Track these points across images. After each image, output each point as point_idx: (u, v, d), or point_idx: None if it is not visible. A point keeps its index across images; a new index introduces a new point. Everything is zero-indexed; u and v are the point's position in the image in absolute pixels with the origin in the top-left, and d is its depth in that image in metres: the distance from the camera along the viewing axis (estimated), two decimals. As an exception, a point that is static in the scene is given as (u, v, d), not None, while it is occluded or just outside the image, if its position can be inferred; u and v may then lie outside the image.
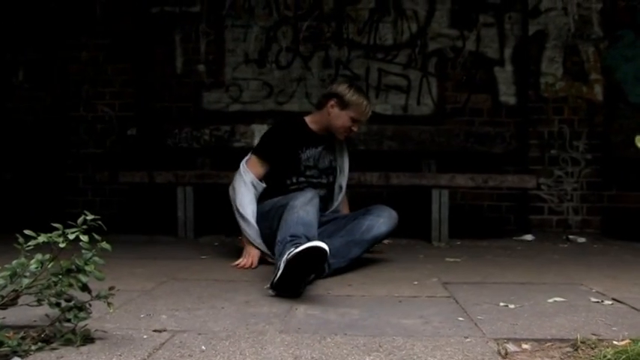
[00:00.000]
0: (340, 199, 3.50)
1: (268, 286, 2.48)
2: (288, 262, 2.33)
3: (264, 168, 3.30)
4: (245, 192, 3.22)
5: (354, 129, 3.35)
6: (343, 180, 3.50)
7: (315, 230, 2.75)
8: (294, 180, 3.31)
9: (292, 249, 2.38)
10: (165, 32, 5.31)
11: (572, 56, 5.09)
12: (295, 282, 2.40)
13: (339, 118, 3.27)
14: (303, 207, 2.76)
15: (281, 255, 2.48)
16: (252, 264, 3.15)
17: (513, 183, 4.48)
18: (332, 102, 3.26)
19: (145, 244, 4.15)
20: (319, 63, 5.25)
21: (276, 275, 2.41)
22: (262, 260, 3.21)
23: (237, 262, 3.19)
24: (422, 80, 5.24)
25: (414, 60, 5.24)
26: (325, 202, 3.39)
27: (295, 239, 2.57)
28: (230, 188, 3.31)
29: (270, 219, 3.06)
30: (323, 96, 3.37)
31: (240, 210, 3.20)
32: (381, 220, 3.16)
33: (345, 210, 3.60)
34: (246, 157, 3.37)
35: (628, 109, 5.08)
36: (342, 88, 3.26)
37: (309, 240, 2.47)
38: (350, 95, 3.23)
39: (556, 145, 5.08)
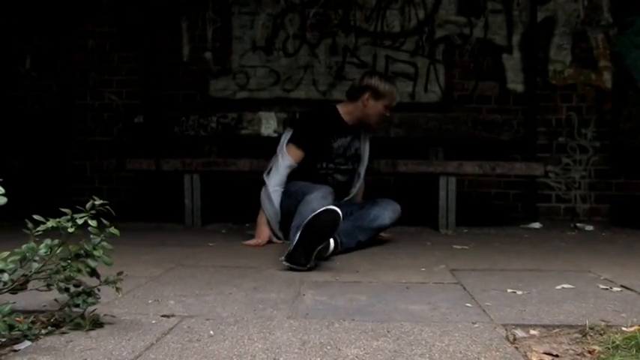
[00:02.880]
0: (358, 186, 3.78)
1: (283, 258, 2.68)
2: (305, 226, 2.64)
3: (301, 154, 3.56)
4: (278, 176, 3.50)
5: (387, 115, 3.65)
6: (363, 168, 3.79)
7: None
8: (324, 165, 3.63)
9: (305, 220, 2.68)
10: (172, 20, 5.30)
11: (580, 43, 5.05)
12: (310, 248, 2.63)
13: (374, 108, 3.56)
14: (318, 200, 3.01)
15: (294, 234, 2.75)
16: (260, 244, 3.43)
17: (521, 170, 4.46)
18: (367, 95, 3.54)
19: (152, 231, 4.16)
20: (326, 50, 5.23)
21: (291, 246, 2.68)
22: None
23: (248, 242, 3.48)
24: (429, 67, 5.21)
25: (422, 47, 5.22)
26: (346, 188, 3.70)
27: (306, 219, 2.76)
28: (265, 172, 3.58)
29: (292, 199, 3.34)
30: (356, 89, 3.60)
31: (270, 190, 3.49)
32: (386, 213, 3.45)
33: (359, 196, 3.88)
34: (283, 141, 3.61)
35: (637, 96, 5.04)
36: (375, 81, 3.54)
37: None
38: (383, 86, 3.53)
39: (564, 132, 5.06)
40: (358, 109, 3.59)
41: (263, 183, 3.57)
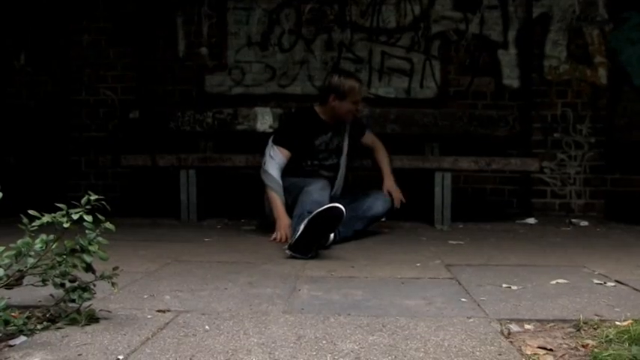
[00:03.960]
0: (342, 177, 3.90)
1: (286, 247, 2.93)
2: (310, 220, 2.82)
3: (287, 152, 3.67)
4: (276, 171, 3.61)
5: (358, 108, 3.79)
6: (343, 159, 3.89)
7: None
8: (309, 162, 3.77)
9: (313, 212, 2.86)
10: (167, 15, 5.29)
11: (576, 39, 5.05)
12: (313, 240, 2.83)
13: (342, 107, 3.67)
14: (318, 191, 3.27)
15: (298, 223, 2.97)
16: (287, 238, 3.38)
17: (516, 166, 4.47)
18: (332, 96, 3.66)
19: (148, 227, 4.16)
20: (322, 46, 5.23)
21: (295, 236, 2.88)
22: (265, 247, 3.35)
23: (273, 237, 3.50)
24: (425, 63, 5.22)
25: (417, 43, 5.22)
26: (332, 182, 3.74)
27: (311, 213, 2.95)
28: (262, 170, 3.67)
29: (287, 192, 3.55)
30: (322, 93, 3.83)
31: (277, 180, 3.58)
32: (379, 202, 3.67)
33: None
34: (269, 145, 3.72)
35: (632, 92, 5.06)
36: (335, 81, 3.67)
37: None
38: (344, 85, 3.63)
39: (559, 128, 5.07)
40: (329, 109, 3.72)
41: (263, 185, 3.65)
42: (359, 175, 4.22)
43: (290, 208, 3.44)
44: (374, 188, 3.82)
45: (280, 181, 3.58)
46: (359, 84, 3.71)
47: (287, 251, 2.89)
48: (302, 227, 2.85)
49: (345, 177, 3.95)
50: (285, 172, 3.64)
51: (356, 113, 3.81)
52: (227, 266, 2.65)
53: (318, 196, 3.22)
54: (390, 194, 3.75)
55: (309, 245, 2.84)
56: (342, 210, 2.82)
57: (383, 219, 3.83)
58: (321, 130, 3.77)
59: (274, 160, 3.62)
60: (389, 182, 3.83)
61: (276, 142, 3.69)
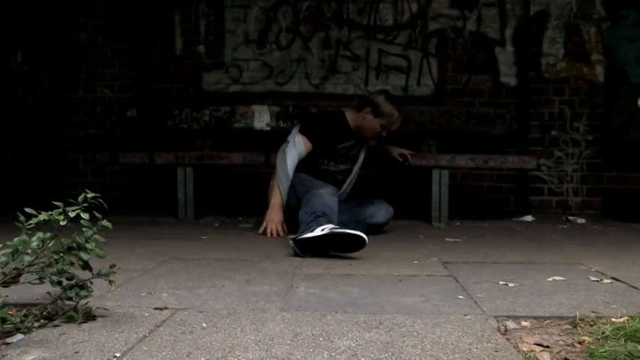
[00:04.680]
0: (349, 184, 3.92)
1: (293, 237, 2.91)
2: (334, 234, 2.78)
3: (310, 146, 3.71)
4: (293, 161, 3.62)
5: (383, 134, 3.84)
6: (357, 167, 3.95)
7: (336, 217, 3.20)
8: (326, 162, 3.81)
9: (339, 227, 2.85)
10: (165, 13, 5.29)
11: (573, 37, 5.06)
12: (321, 248, 2.80)
13: (371, 123, 3.77)
14: (329, 196, 3.28)
15: (316, 221, 2.99)
16: (277, 232, 3.53)
17: (513, 164, 4.47)
18: (368, 109, 3.74)
19: (145, 224, 4.16)
20: (319, 43, 5.24)
21: (306, 234, 2.85)
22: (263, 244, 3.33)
23: (262, 230, 3.58)
24: (422, 61, 5.22)
25: (415, 40, 5.23)
26: (340, 184, 3.82)
27: (325, 216, 3.07)
28: (280, 151, 3.68)
29: (295, 189, 3.56)
30: (362, 101, 3.86)
31: (289, 170, 3.59)
32: (381, 212, 3.75)
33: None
34: (295, 132, 3.75)
35: (629, 90, 5.07)
36: (380, 99, 3.75)
37: (331, 221, 3.01)
38: (385, 106, 3.72)
39: (556, 126, 5.08)
40: (359, 119, 3.79)
41: (273, 166, 3.72)
42: (359, 175, 4.18)
43: (289, 204, 3.55)
44: (376, 189, 3.90)
45: (291, 176, 3.59)
46: (398, 114, 3.77)
47: (291, 242, 2.89)
48: (321, 232, 2.82)
49: (354, 185, 3.97)
50: (299, 166, 3.66)
51: (380, 136, 3.86)
52: (224, 264, 2.64)
53: (330, 200, 3.25)
54: (402, 156, 4.11)
55: (315, 250, 2.82)
56: (366, 243, 2.76)
57: (385, 228, 3.83)
58: (347, 136, 3.82)
59: (295, 149, 3.64)
60: (397, 148, 4.17)
61: (302, 132, 3.72)
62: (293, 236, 2.95)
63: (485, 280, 2.29)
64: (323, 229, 2.85)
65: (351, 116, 3.85)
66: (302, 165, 3.68)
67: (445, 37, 5.22)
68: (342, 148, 3.83)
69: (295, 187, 3.57)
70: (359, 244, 2.76)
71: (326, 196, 3.27)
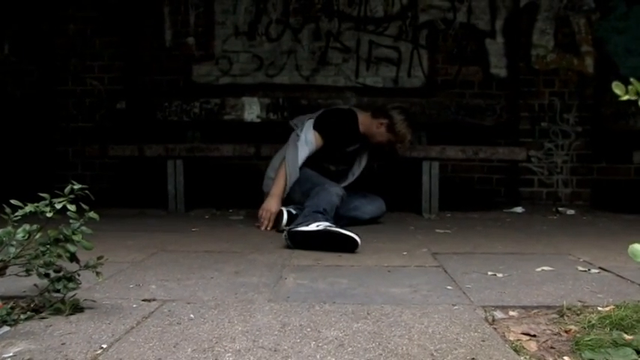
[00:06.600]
0: (349, 182, 3.89)
1: (287, 229, 2.92)
2: (328, 232, 2.80)
3: (321, 143, 3.69)
4: (303, 159, 3.62)
5: (386, 148, 3.88)
6: (358, 170, 3.95)
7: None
8: (327, 161, 3.79)
9: (335, 226, 2.86)
10: (154, 4, 5.26)
11: (563, 28, 5.07)
12: (312, 244, 2.79)
13: (382, 135, 3.77)
14: (337, 195, 3.32)
15: (312, 215, 3.04)
16: (268, 224, 3.51)
17: (504, 155, 4.48)
18: (384, 121, 3.74)
19: (135, 217, 4.15)
20: (309, 35, 5.22)
21: (301, 227, 2.87)
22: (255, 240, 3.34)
23: (260, 213, 3.57)
24: (412, 52, 5.22)
25: (405, 32, 5.22)
26: (337, 179, 3.77)
27: (326, 214, 3.12)
28: (291, 145, 3.66)
29: (300, 185, 3.55)
30: (380, 110, 3.82)
31: (294, 171, 3.57)
32: (368, 208, 3.79)
33: None
34: (308, 125, 3.70)
35: (619, 81, 5.06)
36: (398, 117, 3.74)
37: (328, 220, 3.02)
38: (401, 127, 3.73)
39: (546, 117, 5.09)
40: (371, 126, 3.78)
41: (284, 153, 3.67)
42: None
43: (289, 195, 3.57)
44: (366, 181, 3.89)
45: (298, 173, 3.57)
46: (410, 137, 3.83)
47: (284, 233, 2.90)
48: (315, 228, 2.84)
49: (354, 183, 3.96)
50: (304, 163, 3.66)
51: (383, 147, 3.86)
52: (214, 256, 2.64)
53: (336, 199, 3.29)
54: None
55: (306, 245, 2.80)
56: (358, 245, 2.73)
57: (379, 220, 3.86)
58: (356, 139, 3.81)
59: (307, 147, 3.63)
60: None
61: (316, 128, 3.69)
62: (287, 227, 2.99)
63: (474, 271, 2.30)
64: (318, 225, 2.86)
65: (362, 120, 3.81)
66: (308, 160, 3.68)
67: (435, 29, 5.21)
68: (350, 151, 3.85)
69: (300, 182, 3.56)
70: (351, 245, 2.74)
71: (334, 195, 3.30)
